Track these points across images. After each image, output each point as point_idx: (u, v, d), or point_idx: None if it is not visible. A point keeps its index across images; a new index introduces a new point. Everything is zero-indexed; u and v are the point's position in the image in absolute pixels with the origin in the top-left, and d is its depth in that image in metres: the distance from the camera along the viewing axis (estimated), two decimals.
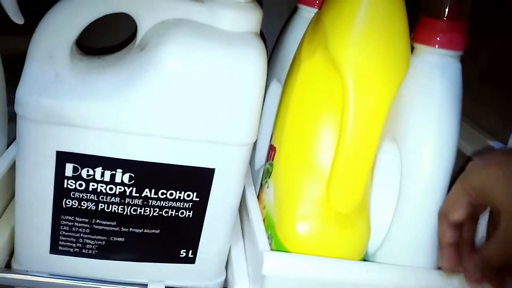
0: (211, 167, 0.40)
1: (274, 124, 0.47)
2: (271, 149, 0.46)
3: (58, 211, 0.39)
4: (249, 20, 0.39)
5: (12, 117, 0.43)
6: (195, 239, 0.43)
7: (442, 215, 0.39)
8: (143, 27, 0.39)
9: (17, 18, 0.37)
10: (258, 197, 0.48)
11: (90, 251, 0.41)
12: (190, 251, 0.43)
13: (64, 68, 0.38)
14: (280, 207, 0.43)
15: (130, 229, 0.41)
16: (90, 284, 0.41)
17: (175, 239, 0.42)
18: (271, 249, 0.42)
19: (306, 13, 0.50)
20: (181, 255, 0.43)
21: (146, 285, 0.42)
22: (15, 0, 0.36)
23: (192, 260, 0.43)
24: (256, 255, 0.40)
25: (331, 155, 0.40)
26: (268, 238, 0.43)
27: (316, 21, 0.43)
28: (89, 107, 0.37)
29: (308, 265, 0.39)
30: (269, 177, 0.45)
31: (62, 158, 0.38)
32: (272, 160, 0.45)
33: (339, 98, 0.39)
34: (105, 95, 0.37)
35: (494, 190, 0.33)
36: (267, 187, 0.45)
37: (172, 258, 0.43)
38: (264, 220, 0.45)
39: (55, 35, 0.38)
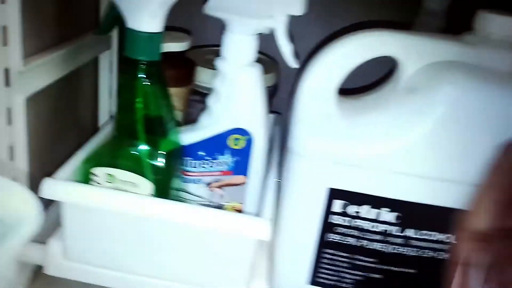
0: None
1: None
2: None
3: (321, 244, 0.41)
4: None
5: None
6: None
7: None
8: (408, 70, 0.40)
9: (293, 63, 0.40)
10: None
11: (347, 285, 0.42)
12: None
13: (334, 108, 0.40)
14: None
15: (388, 267, 0.41)
16: None
17: (430, 280, 0.42)
18: None
19: None
20: None
21: None
22: (292, 49, 0.40)
23: None
24: None
25: None
26: None
27: None
28: (360, 147, 0.39)
29: None
30: None
31: (332, 194, 0.40)
32: None
33: None
34: (376, 136, 0.39)
35: None
36: None
37: None
38: None
39: (325, 78, 0.40)
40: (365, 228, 0.40)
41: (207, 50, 0.53)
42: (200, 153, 0.43)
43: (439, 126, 0.38)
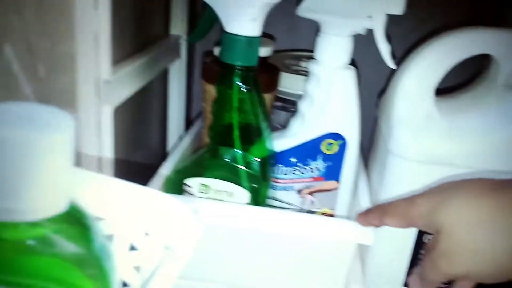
0: None
1: None
2: None
3: (417, 246, 0.40)
4: None
5: None
6: None
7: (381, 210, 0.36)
8: (506, 67, 0.39)
9: (391, 63, 0.39)
10: None
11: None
12: None
13: (432, 108, 0.39)
14: None
15: None
16: None
17: None
18: None
19: None
20: None
21: None
22: (390, 50, 0.39)
23: None
24: None
25: None
26: None
27: None
28: (461, 146, 0.38)
29: None
30: None
31: None
32: None
33: None
34: (476, 134, 0.38)
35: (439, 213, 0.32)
36: None
37: None
38: None
39: (424, 77, 0.40)
40: None
41: (284, 55, 0.52)
42: (292, 159, 0.42)
43: None
